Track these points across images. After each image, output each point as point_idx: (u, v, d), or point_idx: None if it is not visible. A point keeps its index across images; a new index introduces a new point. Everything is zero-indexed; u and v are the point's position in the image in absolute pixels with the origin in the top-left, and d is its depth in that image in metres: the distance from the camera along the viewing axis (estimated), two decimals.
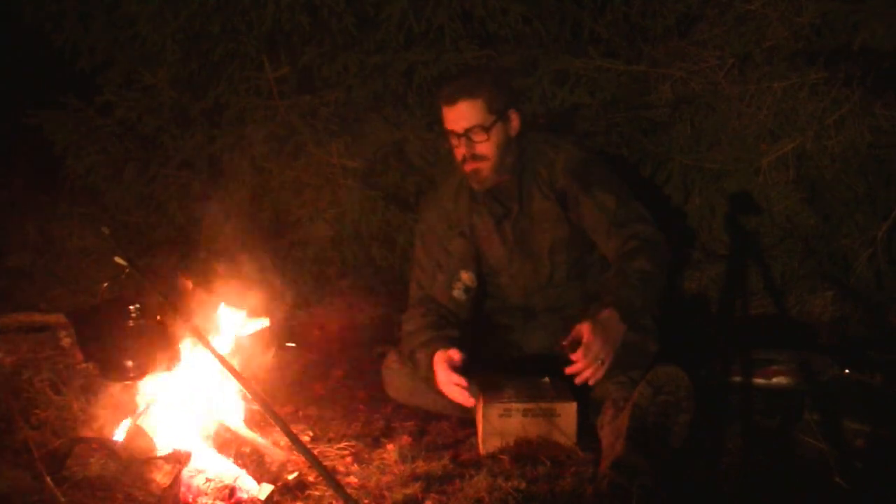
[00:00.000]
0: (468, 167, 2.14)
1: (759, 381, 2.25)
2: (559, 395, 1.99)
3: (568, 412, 1.96)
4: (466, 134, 2.10)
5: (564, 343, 1.92)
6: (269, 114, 2.82)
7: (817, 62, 2.53)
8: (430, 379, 2.10)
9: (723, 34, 2.70)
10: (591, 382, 1.91)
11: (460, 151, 2.14)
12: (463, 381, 2.03)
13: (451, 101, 2.11)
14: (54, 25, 3.00)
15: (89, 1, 2.96)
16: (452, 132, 2.13)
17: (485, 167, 2.13)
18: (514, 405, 1.97)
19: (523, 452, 1.94)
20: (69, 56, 3.03)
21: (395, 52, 2.82)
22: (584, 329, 1.89)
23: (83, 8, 2.97)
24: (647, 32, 2.86)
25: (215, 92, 2.89)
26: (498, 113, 2.12)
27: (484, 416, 1.98)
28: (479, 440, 1.99)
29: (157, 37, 2.83)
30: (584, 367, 1.88)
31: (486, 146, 2.11)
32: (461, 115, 2.10)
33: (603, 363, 1.89)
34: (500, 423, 1.97)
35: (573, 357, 1.89)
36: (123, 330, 1.97)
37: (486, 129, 2.10)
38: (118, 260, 1.85)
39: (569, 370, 1.90)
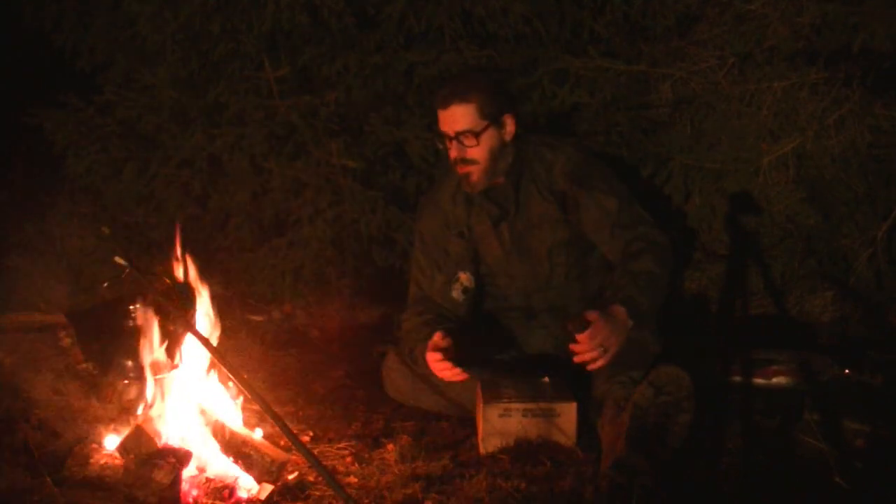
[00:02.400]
0: (459, 170, 2.15)
1: (759, 381, 2.25)
2: (559, 395, 1.99)
3: (568, 412, 1.96)
4: (457, 137, 2.11)
5: (570, 323, 1.88)
6: (269, 113, 2.82)
7: (817, 62, 2.53)
8: (429, 374, 2.10)
9: (723, 34, 2.70)
10: (591, 367, 1.89)
11: (452, 154, 2.14)
12: (449, 365, 2.03)
13: (444, 104, 2.11)
14: (54, 25, 3.00)
15: (89, 1, 2.96)
16: (445, 134, 2.13)
17: (474, 171, 2.14)
18: (515, 405, 1.97)
19: (523, 452, 1.94)
20: (69, 56, 3.03)
21: (394, 52, 2.82)
22: (594, 314, 1.88)
23: (83, 8, 2.97)
24: (647, 32, 2.86)
25: (215, 91, 2.89)
26: (491, 118, 2.11)
27: (484, 416, 1.98)
28: (479, 440, 1.99)
29: (157, 37, 2.83)
30: (587, 349, 1.87)
31: (476, 151, 2.11)
32: (453, 119, 2.10)
33: (607, 352, 1.88)
34: (500, 423, 1.97)
35: (578, 338, 1.87)
36: (123, 330, 1.97)
37: (477, 135, 2.10)
38: (118, 260, 1.85)
39: (573, 347, 1.88)
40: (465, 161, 2.12)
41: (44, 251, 3.05)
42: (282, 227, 2.97)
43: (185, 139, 2.95)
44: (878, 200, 2.61)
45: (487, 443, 1.98)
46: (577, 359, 1.89)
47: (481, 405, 1.99)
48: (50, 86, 3.01)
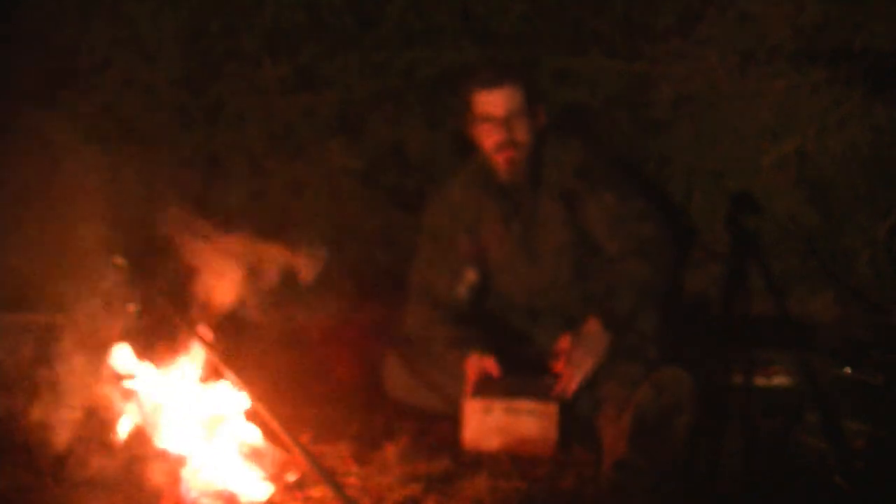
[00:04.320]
0: (503, 154, 2.12)
1: (760, 381, 2.25)
2: (544, 395, 1.98)
3: (550, 412, 1.94)
4: (507, 119, 2.09)
5: (551, 360, 2.00)
6: (268, 113, 2.82)
7: (819, 61, 2.53)
8: (457, 377, 2.09)
9: (724, 33, 2.69)
10: (568, 394, 1.96)
11: (495, 138, 2.11)
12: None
13: (495, 84, 2.09)
14: (54, 25, 3.00)
15: (89, 1, 2.96)
16: (490, 117, 2.11)
17: (520, 155, 2.12)
18: (497, 402, 1.96)
19: (504, 449, 1.94)
20: (69, 55, 3.03)
21: (395, 50, 2.82)
22: (564, 343, 1.98)
23: (83, 7, 2.97)
24: (647, 31, 2.86)
25: (215, 91, 2.89)
26: (532, 103, 2.13)
27: (465, 411, 1.98)
28: (461, 436, 1.99)
29: (157, 35, 2.83)
30: (567, 379, 1.95)
31: (524, 132, 2.11)
32: (504, 99, 2.09)
33: (580, 372, 1.95)
34: (481, 419, 1.97)
35: (556, 370, 1.96)
36: (123, 330, 1.97)
37: (527, 115, 2.10)
38: (118, 260, 1.85)
39: (556, 389, 1.96)
40: (514, 143, 2.10)
41: (44, 251, 3.05)
42: (282, 227, 2.97)
43: (185, 138, 2.95)
44: (879, 200, 2.60)
45: (468, 438, 1.98)
46: (556, 389, 1.96)
47: (464, 400, 1.99)
48: (50, 86, 3.01)
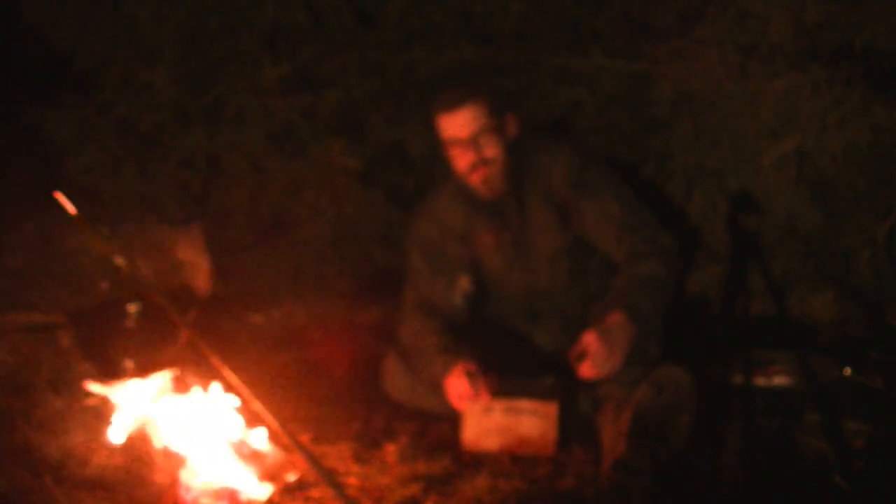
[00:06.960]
0: (477, 175, 2.08)
1: (760, 381, 2.25)
2: (543, 396, 1.98)
3: (550, 413, 1.94)
4: (473, 139, 2.05)
5: (571, 356, 1.92)
6: (268, 112, 2.82)
7: (819, 61, 2.53)
8: (443, 385, 2.07)
9: (724, 32, 2.69)
10: (606, 379, 1.91)
11: (466, 160, 2.07)
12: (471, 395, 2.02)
13: (453, 107, 2.05)
14: (54, 25, 3.00)
15: (89, 1, 2.96)
16: (456, 140, 2.07)
17: (495, 171, 2.08)
18: (497, 402, 1.97)
19: (504, 449, 1.94)
20: (69, 55, 3.04)
21: (394, 50, 2.82)
22: (590, 340, 1.88)
23: (83, 7, 2.97)
24: (647, 30, 2.86)
25: (214, 90, 2.89)
26: (498, 115, 2.08)
27: (465, 411, 1.98)
28: (461, 436, 1.99)
29: (157, 35, 2.84)
30: (592, 375, 1.89)
31: (493, 149, 2.06)
32: (466, 120, 2.04)
33: (613, 368, 1.89)
34: (480, 419, 1.97)
35: (581, 369, 1.89)
36: (123, 330, 1.97)
37: (493, 131, 2.06)
38: (118, 260, 1.85)
39: (580, 378, 1.91)
40: (485, 161, 2.06)
41: (44, 251, 3.05)
42: (281, 226, 2.97)
43: (185, 138, 2.95)
44: (879, 200, 2.60)
45: (468, 439, 1.98)
46: (584, 372, 1.90)
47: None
48: (50, 85, 3.01)
